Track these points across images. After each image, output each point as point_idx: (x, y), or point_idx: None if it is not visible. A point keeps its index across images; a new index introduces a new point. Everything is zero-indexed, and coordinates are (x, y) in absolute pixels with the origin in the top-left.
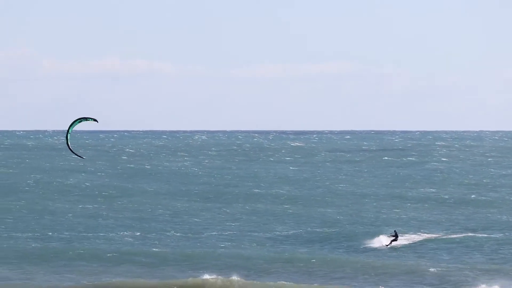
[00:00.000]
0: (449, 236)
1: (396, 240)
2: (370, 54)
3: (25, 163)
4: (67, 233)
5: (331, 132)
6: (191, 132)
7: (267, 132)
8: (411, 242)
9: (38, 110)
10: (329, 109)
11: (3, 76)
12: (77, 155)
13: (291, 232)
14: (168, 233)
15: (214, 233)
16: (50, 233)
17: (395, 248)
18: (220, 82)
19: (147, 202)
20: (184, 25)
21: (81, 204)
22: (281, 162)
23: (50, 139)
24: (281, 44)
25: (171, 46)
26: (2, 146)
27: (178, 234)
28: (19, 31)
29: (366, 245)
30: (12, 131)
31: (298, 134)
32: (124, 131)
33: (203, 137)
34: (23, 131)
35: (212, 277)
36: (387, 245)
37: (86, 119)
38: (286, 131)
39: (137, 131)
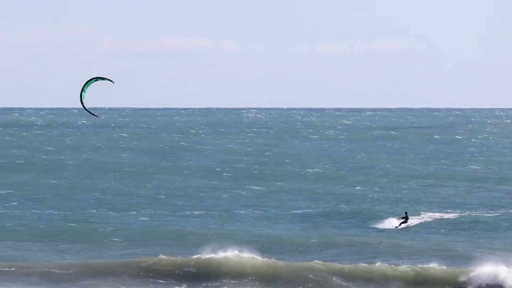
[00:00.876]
0: (473, 214)
1: (406, 222)
2: (427, 32)
3: (74, 140)
4: (100, 210)
5: (387, 109)
6: (248, 109)
7: (323, 110)
8: (422, 221)
9: (98, 88)
10: (386, 86)
11: (64, 54)
12: (92, 114)
13: (319, 209)
14: (198, 212)
15: (244, 211)
16: (80, 211)
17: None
18: (280, 59)
19: (183, 179)
20: (246, 2)
21: (122, 180)
22: (328, 139)
23: (105, 117)
24: (340, 22)
25: (232, 24)
26: (55, 124)
27: (210, 213)
28: (81, 10)
29: (377, 226)
30: (67, 108)
31: (353, 111)
32: (180, 109)
33: (258, 115)
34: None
35: (235, 254)
36: (396, 227)
37: (102, 78)
38: (341, 108)
39: (194, 108)
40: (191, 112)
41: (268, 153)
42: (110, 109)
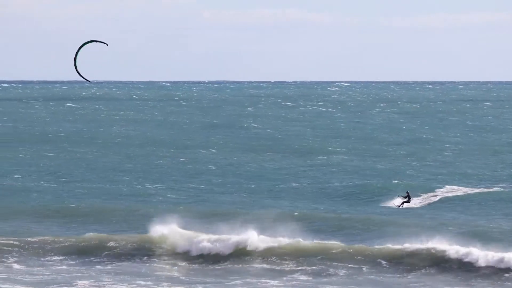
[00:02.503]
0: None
1: (408, 202)
2: None
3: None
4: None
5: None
6: (334, 82)
7: (407, 83)
8: (428, 202)
9: (196, 61)
10: (483, 58)
11: (163, 28)
12: (84, 79)
13: (341, 188)
14: (220, 188)
15: (258, 188)
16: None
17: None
18: (372, 32)
19: (214, 155)
20: None
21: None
22: (389, 113)
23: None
24: None
25: None
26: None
27: (232, 194)
28: None
29: (381, 204)
30: (158, 81)
31: (443, 84)
32: (267, 82)
33: (334, 88)
34: (172, 82)
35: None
36: (398, 206)
37: (96, 41)
38: (433, 81)
39: (285, 82)
40: (278, 85)
41: (321, 130)
42: (210, 82)
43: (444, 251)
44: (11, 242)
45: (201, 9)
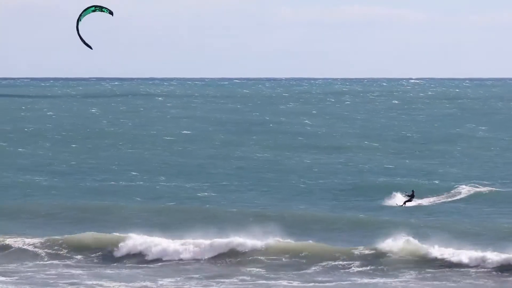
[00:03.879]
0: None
1: (411, 201)
2: None
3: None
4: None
5: None
6: (416, 79)
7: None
8: (430, 203)
9: (273, 57)
10: None
11: (241, 23)
12: (87, 45)
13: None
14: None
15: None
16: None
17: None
18: (457, 29)
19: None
20: None
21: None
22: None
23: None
24: None
25: None
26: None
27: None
28: None
29: (383, 203)
30: (230, 78)
31: None
32: (346, 79)
33: (406, 87)
34: (248, 79)
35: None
36: (400, 205)
37: (101, 9)
38: None
39: (363, 79)
40: (358, 82)
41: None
42: (287, 79)
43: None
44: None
45: (281, 5)
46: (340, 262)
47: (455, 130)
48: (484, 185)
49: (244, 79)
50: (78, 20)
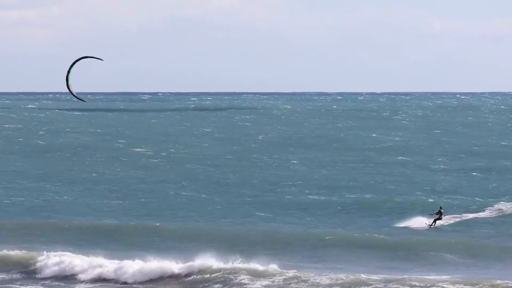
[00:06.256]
0: None
1: (440, 219)
2: None
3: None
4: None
5: None
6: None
7: None
8: (458, 220)
9: (427, 69)
10: None
11: (393, 37)
12: (78, 98)
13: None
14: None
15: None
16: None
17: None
18: None
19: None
20: None
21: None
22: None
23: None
24: None
25: None
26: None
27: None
28: None
29: (400, 225)
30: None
31: None
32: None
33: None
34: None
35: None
36: (430, 225)
37: (88, 57)
38: None
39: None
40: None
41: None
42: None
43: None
44: None
45: (432, 18)
46: None
47: None
48: None
49: (402, 93)
50: (68, 73)
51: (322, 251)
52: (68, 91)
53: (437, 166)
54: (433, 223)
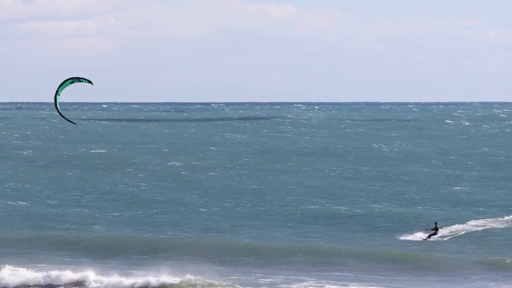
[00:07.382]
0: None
1: (436, 234)
2: None
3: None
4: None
5: None
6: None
7: None
8: (455, 235)
9: (491, 81)
10: None
11: (450, 46)
12: (68, 120)
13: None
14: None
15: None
16: None
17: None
18: None
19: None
20: None
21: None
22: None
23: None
24: None
25: None
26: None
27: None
28: (467, 3)
29: (402, 238)
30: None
31: None
32: None
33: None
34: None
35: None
36: (424, 239)
37: (79, 80)
38: None
39: None
40: None
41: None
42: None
43: None
44: None
45: (487, 29)
46: None
47: None
48: None
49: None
50: (56, 94)
51: (320, 262)
52: (58, 113)
53: None
54: (428, 238)
